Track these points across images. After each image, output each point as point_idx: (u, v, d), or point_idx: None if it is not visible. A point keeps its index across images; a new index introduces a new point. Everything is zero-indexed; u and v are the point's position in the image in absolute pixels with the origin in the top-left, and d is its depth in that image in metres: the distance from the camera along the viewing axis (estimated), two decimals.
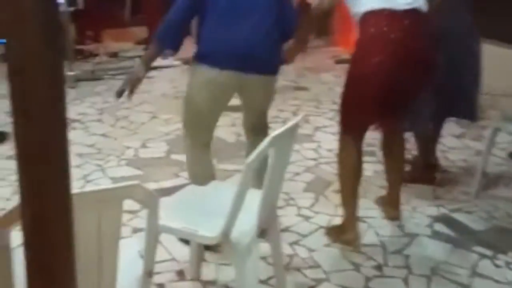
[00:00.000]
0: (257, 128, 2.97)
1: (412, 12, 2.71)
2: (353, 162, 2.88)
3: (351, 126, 2.89)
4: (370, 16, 2.70)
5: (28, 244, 0.77)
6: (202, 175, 2.82)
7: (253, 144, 2.88)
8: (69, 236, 0.79)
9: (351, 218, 2.93)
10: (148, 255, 1.78)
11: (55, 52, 0.73)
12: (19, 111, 0.72)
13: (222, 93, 2.76)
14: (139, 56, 6.25)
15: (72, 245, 0.79)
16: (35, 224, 0.76)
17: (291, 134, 2.27)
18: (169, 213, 2.26)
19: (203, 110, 2.78)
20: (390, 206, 3.22)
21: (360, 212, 3.23)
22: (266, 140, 2.05)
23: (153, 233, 1.73)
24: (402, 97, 2.82)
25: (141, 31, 7.24)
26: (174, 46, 2.78)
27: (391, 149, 3.15)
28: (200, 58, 2.73)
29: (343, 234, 2.93)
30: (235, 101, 2.90)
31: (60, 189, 0.77)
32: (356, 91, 2.79)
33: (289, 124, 2.23)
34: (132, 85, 2.75)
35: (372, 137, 4.17)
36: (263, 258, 2.70)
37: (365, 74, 2.71)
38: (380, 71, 2.66)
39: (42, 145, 0.74)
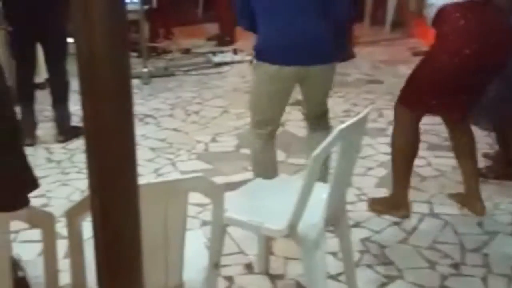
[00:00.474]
0: (319, 117, 2.99)
1: (490, 4, 2.79)
2: (409, 139, 2.92)
3: (418, 105, 2.91)
4: (455, 8, 2.74)
5: (97, 234, 0.79)
6: (265, 165, 2.89)
7: (315, 134, 2.97)
8: (136, 226, 0.80)
9: (403, 194, 2.99)
10: (214, 247, 1.76)
11: (122, 51, 0.74)
12: (88, 106, 0.74)
13: (284, 88, 2.79)
14: (211, 52, 6.39)
15: (139, 235, 0.80)
16: (103, 214, 0.78)
17: (359, 128, 2.20)
18: (236, 206, 2.24)
19: (267, 105, 2.83)
20: (473, 201, 3.10)
21: (437, 209, 3.13)
22: (333, 133, 2.00)
23: (219, 225, 1.71)
24: (480, 87, 2.88)
25: (213, 28, 7.30)
26: (248, 23, 2.84)
27: (460, 142, 3.09)
28: (260, 55, 2.77)
29: (395, 210, 3.01)
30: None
31: (127, 180, 0.78)
32: (436, 77, 2.81)
33: (357, 117, 2.15)
34: None
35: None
36: (333, 253, 2.64)
37: (454, 64, 2.74)
38: (469, 62, 2.71)
39: (109, 137, 0.75)
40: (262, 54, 2.75)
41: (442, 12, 2.78)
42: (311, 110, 3.01)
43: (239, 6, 2.83)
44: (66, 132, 4.08)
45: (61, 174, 3.62)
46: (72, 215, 1.41)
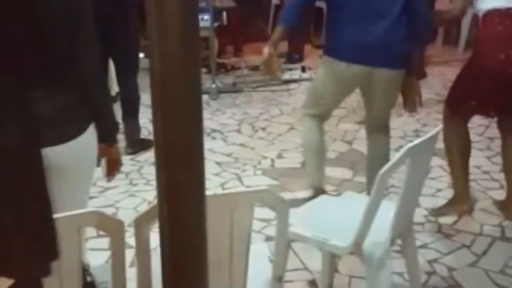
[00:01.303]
0: (380, 126, 3.04)
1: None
2: (462, 139, 3.09)
3: (461, 107, 3.06)
4: (495, 14, 2.85)
5: (164, 243, 0.80)
6: (314, 145, 3.06)
7: (374, 144, 3.07)
8: (202, 236, 0.81)
9: (464, 191, 3.14)
10: (278, 261, 1.77)
11: (194, 64, 0.76)
12: (159, 118, 0.76)
13: (348, 86, 2.92)
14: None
15: (205, 246, 0.81)
16: (170, 223, 0.79)
17: (428, 147, 2.16)
18: (301, 221, 2.25)
19: (325, 98, 2.98)
20: (509, 206, 3.17)
21: (509, 232, 3.04)
22: (402, 151, 1.97)
23: (283, 239, 1.72)
24: None
25: (282, 45, 7.34)
26: (295, 22, 2.94)
27: (508, 148, 3.16)
28: (329, 50, 2.86)
29: (458, 205, 3.15)
30: None
31: (195, 190, 0.79)
32: (476, 82, 2.95)
33: (426, 136, 2.12)
34: (266, 65, 3.02)
35: None
36: (400, 273, 2.59)
37: (489, 69, 2.87)
38: (504, 67, 2.84)
39: (179, 148, 0.77)
40: (331, 49, 2.83)
41: (484, 17, 2.91)
42: (370, 117, 3.05)
43: (290, 6, 2.94)
44: (135, 145, 4.19)
45: (129, 185, 3.72)
46: (140, 223, 1.45)
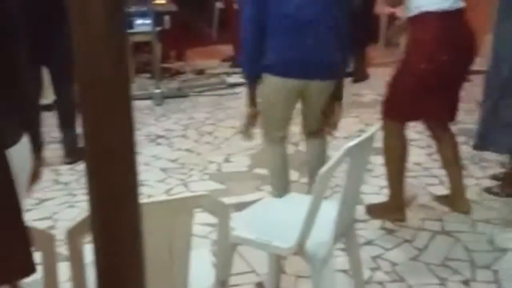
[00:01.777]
0: (315, 131, 3.13)
1: (461, 12, 2.93)
2: (399, 147, 3.13)
3: (402, 115, 3.12)
4: (430, 16, 2.87)
5: (98, 255, 0.78)
6: (278, 165, 3.11)
7: (312, 148, 3.17)
8: (139, 245, 0.79)
9: (399, 198, 3.18)
10: (220, 265, 1.78)
11: (123, 67, 0.74)
12: (88, 125, 0.75)
13: (288, 98, 2.95)
14: (225, 73, 6.44)
15: (142, 254, 0.79)
16: (104, 234, 0.77)
17: (367, 145, 2.22)
18: (245, 224, 2.27)
19: (274, 114, 3.03)
20: (459, 200, 3.26)
21: (448, 226, 3.13)
22: (341, 151, 2.01)
23: (225, 243, 1.72)
24: (455, 90, 3.11)
25: (227, 49, 7.37)
26: (258, 73, 2.94)
27: (442, 142, 3.25)
28: (266, 68, 2.88)
29: (391, 213, 3.19)
30: None
31: (129, 199, 0.78)
32: (415, 84, 2.98)
33: (365, 135, 2.17)
34: (250, 125, 3.06)
35: (463, 151, 4.03)
36: (344, 271, 2.64)
37: (431, 70, 2.91)
38: (447, 68, 2.92)
39: (109, 156, 0.76)
40: (268, 67, 2.87)
41: (422, 19, 2.90)
42: (308, 125, 3.13)
43: (249, 57, 2.88)
44: (73, 154, 4.08)
45: (68, 196, 3.63)
46: (73, 234, 1.42)
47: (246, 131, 3.09)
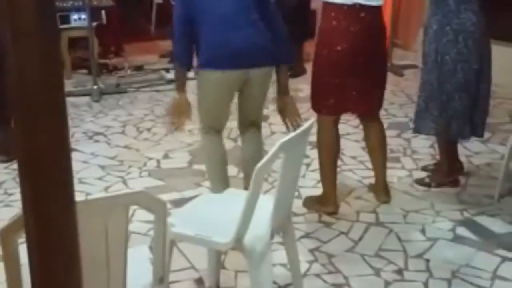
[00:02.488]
0: (253, 124, 3.16)
1: (369, 7, 3.00)
2: (330, 140, 3.20)
3: (323, 108, 3.18)
4: (332, 8, 3.01)
5: (33, 253, 0.78)
6: (216, 158, 3.13)
7: (248, 142, 3.20)
8: (74, 243, 0.79)
9: (331, 191, 3.24)
10: (158, 261, 1.79)
11: (54, 66, 0.74)
12: (18, 125, 0.74)
13: (228, 91, 2.99)
14: (164, 69, 6.40)
15: (77, 252, 0.79)
16: (38, 233, 0.77)
17: (302, 140, 2.27)
18: (183, 220, 2.28)
19: (212, 108, 3.06)
20: (379, 190, 3.40)
21: (382, 217, 3.24)
22: (276, 146, 2.06)
23: (161, 239, 1.74)
24: (362, 82, 3.11)
25: (166, 44, 7.32)
26: (190, 61, 2.99)
27: (369, 134, 3.36)
28: (203, 63, 2.93)
29: (324, 206, 3.26)
30: None
31: (63, 197, 0.77)
32: (322, 76, 3.12)
33: (299, 129, 2.23)
34: (178, 114, 3.03)
35: (396, 143, 4.17)
36: (283, 264, 2.69)
37: (329, 60, 3.05)
38: (342, 58, 3.02)
39: (41, 157, 0.75)
40: (205, 62, 2.91)
41: (323, 9, 3.08)
42: (243, 116, 3.16)
43: (179, 45, 2.95)
44: (9, 152, 3.98)
45: (4, 195, 3.56)
46: (6, 234, 1.40)
47: (176, 121, 3.03)
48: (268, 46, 2.92)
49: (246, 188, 2.94)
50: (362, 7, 2.99)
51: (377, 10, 3.10)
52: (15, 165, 3.93)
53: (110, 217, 1.52)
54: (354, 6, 2.98)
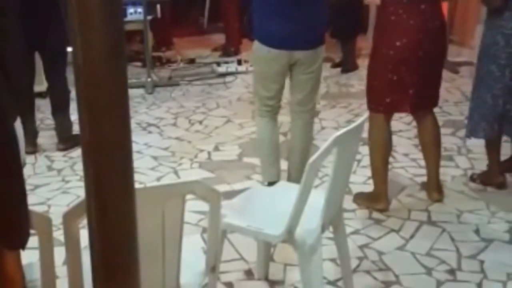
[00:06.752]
0: (304, 111, 3.22)
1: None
2: (382, 138, 3.17)
3: (379, 107, 3.14)
4: (391, 3, 2.99)
5: (93, 238, 0.80)
6: (268, 141, 3.20)
7: (297, 128, 3.26)
8: (132, 230, 0.81)
9: (382, 189, 3.22)
10: (211, 251, 1.81)
11: (119, 60, 0.76)
12: (84, 113, 0.76)
13: (276, 69, 3.08)
14: (216, 63, 6.46)
15: (135, 240, 0.81)
16: (99, 219, 0.79)
17: (355, 135, 2.25)
18: (235, 212, 2.29)
19: (262, 83, 3.15)
20: (430, 188, 3.34)
21: (435, 216, 3.18)
22: (329, 140, 2.04)
23: (215, 229, 1.75)
24: (420, 79, 3.06)
25: (219, 38, 7.38)
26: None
27: (422, 129, 3.29)
28: (255, 35, 3.10)
29: (375, 203, 3.24)
30: None
31: (123, 185, 0.80)
32: (380, 74, 3.08)
33: (353, 124, 2.21)
34: None
35: (450, 142, 4.09)
36: (332, 259, 2.68)
37: (388, 57, 3.01)
38: (401, 54, 2.98)
39: (105, 144, 0.78)
40: (256, 35, 3.09)
41: (381, 4, 3.08)
42: (295, 97, 3.22)
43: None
44: (66, 141, 4.11)
45: (61, 182, 3.67)
46: (69, 219, 1.45)
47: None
48: (320, 31, 3.06)
49: (288, 180, 3.06)
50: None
51: (437, 1, 3.05)
52: (72, 153, 4.06)
53: (167, 205, 1.55)
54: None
